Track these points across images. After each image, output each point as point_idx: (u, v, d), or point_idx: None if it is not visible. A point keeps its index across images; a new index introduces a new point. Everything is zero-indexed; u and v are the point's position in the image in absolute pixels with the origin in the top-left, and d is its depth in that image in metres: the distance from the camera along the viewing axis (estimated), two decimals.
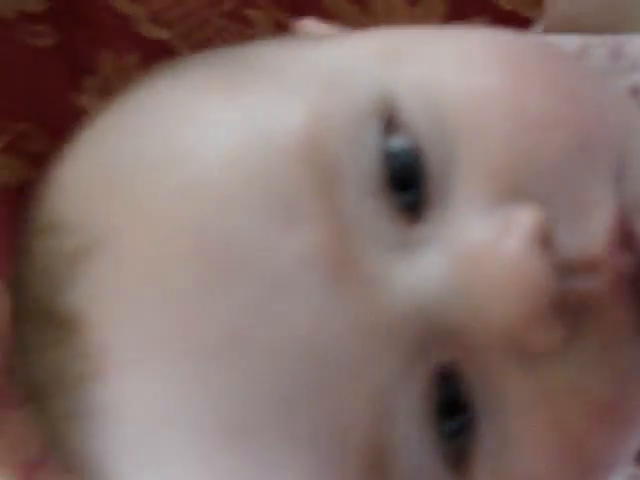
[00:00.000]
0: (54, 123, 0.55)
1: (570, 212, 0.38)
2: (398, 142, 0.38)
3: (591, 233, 0.37)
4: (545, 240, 0.36)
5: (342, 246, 0.37)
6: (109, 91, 0.53)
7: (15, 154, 0.54)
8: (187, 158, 0.38)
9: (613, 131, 0.39)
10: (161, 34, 0.56)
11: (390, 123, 0.38)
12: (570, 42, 0.48)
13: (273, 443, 0.37)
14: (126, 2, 0.55)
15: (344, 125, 0.38)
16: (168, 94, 0.41)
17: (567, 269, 0.37)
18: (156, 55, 0.54)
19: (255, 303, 0.36)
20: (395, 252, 0.37)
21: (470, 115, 0.38)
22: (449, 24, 0.56)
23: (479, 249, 0.36)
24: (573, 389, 0.38)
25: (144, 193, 0.38)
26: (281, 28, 0.56)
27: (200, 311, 0.36)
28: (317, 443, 0.37)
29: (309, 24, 0.47)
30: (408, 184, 0.38)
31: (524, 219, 0.36)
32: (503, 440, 0.38)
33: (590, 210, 0.38)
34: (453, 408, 0.38)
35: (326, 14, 0.56)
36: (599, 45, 0.48)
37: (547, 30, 0.51)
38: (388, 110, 0.38)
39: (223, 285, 0.36)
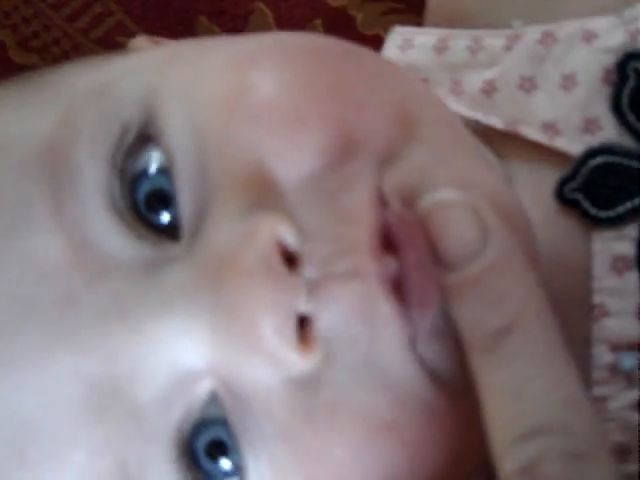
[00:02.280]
0: None
1: (324, 217, 0.35)
2: (148, 158, 0.37)
3: (352, 236, 0.35)
4: (283, 252, 0.34)
5: (77, 260, 0.35)
6: None
7: None
8: None
9: (385, 124, 0.37)
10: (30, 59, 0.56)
11: (144, 133, 0.37)
12: (431, 35, 0.48)
13: None
14: None
15: (88, 137, 0.37)
16: None
17: (325, 279, 0.34)
18: None
19: None
20: (146, 271, 0.36)
21: (221, 122, 0.36)
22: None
23: (217, 261, 0.34)
24: (343, 407, 0.35)
25: None
26: None
27: None
28: None
29: (139, 41, 0.47)
30: (164, 202, 0.37)
31: (260, 230, 0.34)
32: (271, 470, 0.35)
33: (347, 210, 0.35)
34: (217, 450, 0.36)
35: None
36: (460, 37, 0.46)
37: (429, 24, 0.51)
38: (145, 120, 0.37)
39: None
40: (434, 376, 0.35)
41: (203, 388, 0.36)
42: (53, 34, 0.56)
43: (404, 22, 0.54)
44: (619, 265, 0.41)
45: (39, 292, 0.35)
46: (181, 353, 0.35)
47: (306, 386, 0.35)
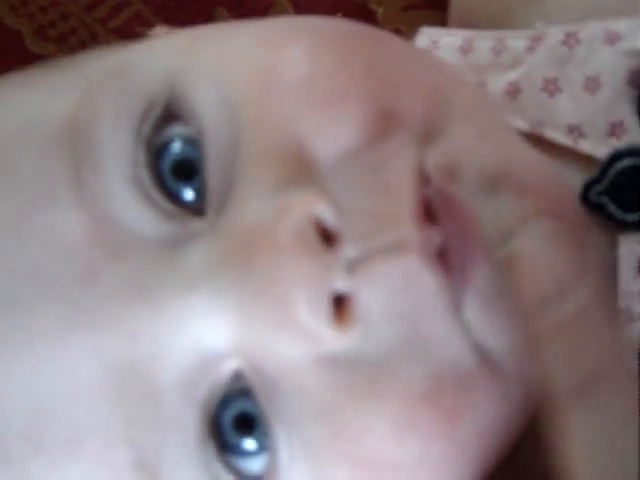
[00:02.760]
0: None
1: (366, 184, 0.34)
2: (176, 132, 0.36)
3: (393, 208, 0.34)
4: (319, 223, 0.33)
5: (97, 236, 0.35)
6: None
7: None
8: None
9: (421, 102, 0.36)
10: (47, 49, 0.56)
11: (170, 111, 0.36)
12: (457, 36, 0.47)
13: None
14: (12, 16, 0.55)
15: (111, 112, 0.36)
16: None
17: (366, 256, 0.33)
18: None
19: None
20: (169, 248, 0.35)
21: (256, 97, 0.35)
22: None
23: (249, 234, 0.33)
24: (383, 380, 0.34)
25: None
26: None
27: None
28: None
29: (159, 30, 0.46)
30: (188, 176, 0.36)
31: (296, 205, 0.33)
32: (304, 448, 0.35)
33: (388, 186, 0.35)
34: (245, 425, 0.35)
35: None
36: (484, 38, 0.46)
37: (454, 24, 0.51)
38: (171, 98, 0.36)
39: None
40: (479, 347, 0.34)
41: (227, 369, 0.35)
42: (70, 23, 0.56)
43: (424, 17, 0.54)
44: None
45: (58, 269, 0.35)
46: (204, 334, 0.34)
47: (343, 363, 0.34)
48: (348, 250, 0.33)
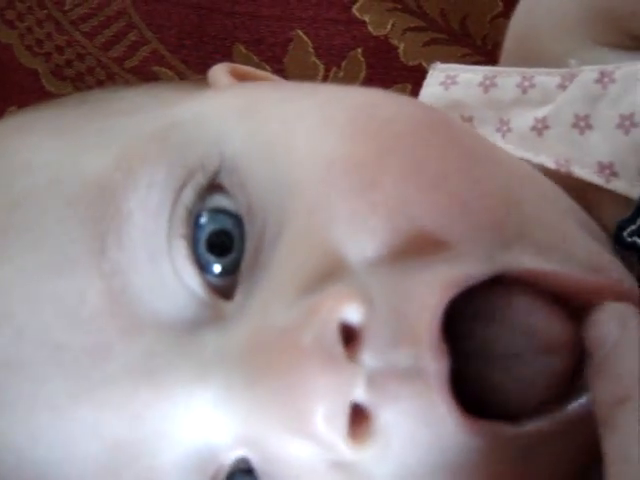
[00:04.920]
0: None
1: (393, 300, 0.33)
2: (219, 203, 0.35)
3: (413, 329, 0.32)
4: (345, 327, 0.32)
5: (117, 313, 0.34)
6: None
7: None
8: None
9: (486, 208, 0.35)
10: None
11: (214, 182, 0.35)
12: (477, 72, 0.46)
13: None
14: (28, 55, 0.55)
15: (146, 181, 0.35)
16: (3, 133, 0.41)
17: (384, 367, 0.32)
18: None
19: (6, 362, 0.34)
20: (185, 331, 0.34)
21: (317, 186, 0.34)
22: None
23: (272, 333, 0.32)
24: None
25: None
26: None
27: None
28: None
29: (218, 70, 0.44)
30: (225, 248, 0.35)
31: (325, 309, 0.32)
32: None
33: (415, 298, 0.33)
34: None
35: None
36: (510, 74, 0.45)
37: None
38: (216, 169, 0.35)
39: None
40: None
41: (232, 457, 0.34)
42: (87, 63, 0.55)
43: (446, 53, 0.53)
44: None
45: (70, 338, 0.34)
46: (210, 427, 0.33)
47: (356, 472, 0.33)
48: (369, 360, 0.32)
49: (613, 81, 0.41)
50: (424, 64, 0.53)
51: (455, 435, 0.32)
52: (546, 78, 0.44)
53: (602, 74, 0.42)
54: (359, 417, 0.32)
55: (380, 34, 0.54)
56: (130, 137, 0.37)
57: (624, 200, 0.41)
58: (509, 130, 0.44)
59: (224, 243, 0.35)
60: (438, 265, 0.33)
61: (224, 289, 0.34)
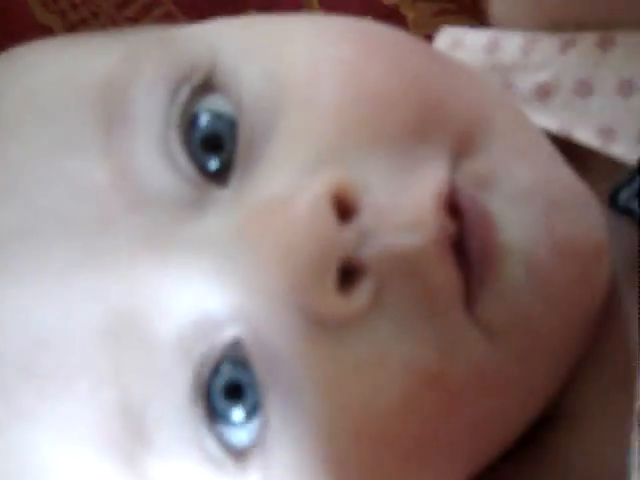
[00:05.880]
0: None
1: (394, 179, 0.36)
2: (212, 103, 0.37)
3: (416, 196, 0.35)
4: (340, 202, 0.34)
5: (118, 187, 0.36)
6: None
7: None
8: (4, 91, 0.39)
9: (462, 116, 0.38)
10: None
11: (209, 81, 0.38)
12: (482, 34, 0.47)
13: None
14: (44, 12, 0.55)
15: (150, 73, 0.37)
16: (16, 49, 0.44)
17: (383, 229, 0.34)
18: None
19: (15, 232, 0.36)
20: (186, 210, 0.36)
21: (303, 85, 0.37)
22: None
23: (267, 206, 0.35)
24: (391, 357, 0.35)
25: None
26: None
27: None
28: None
29: None
30: (218, 147, 0.37)
31: (319, 180, 0.34)
32: (299, 421, 0.35)
33: (418, 179, 0.36)
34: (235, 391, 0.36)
35: None
36: (514, 36, 0.46)
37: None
38: (213, 67, 0.38)
39: None
40: (489, 334, 0.35)
41: (227, 335, 0.35)
42: (101, 21, 0.56)
43: (456, 23, 0.53)
44: None
45: (76, 210, 0.36)
46: (209, 296, 0.35)
47: (350, 336, 0.34)
48: (365, 218, 0.34)
49: (614, 44, 0.42)
50: (434, 34, 0.54)
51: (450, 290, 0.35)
52: (547, 41, 0.44)
53: (603, 38, 0.42)
54: (351, 276, 0.34)
55: (390, 3, 0.54)
56: (137, 40, 0.40)
57: (621, 168, 0.42)
58: (513, 93, 0.44)
59: (217, 142, 0.37)
60: (430, 162, 0.36)
61: (222, 180, 0.37)
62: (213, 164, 0.37)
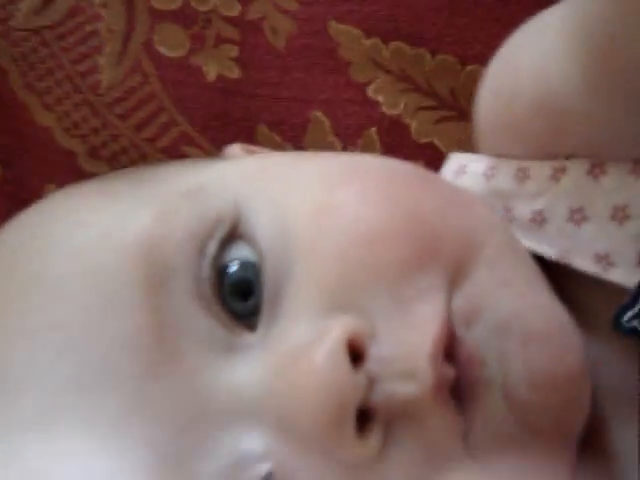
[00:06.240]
0: None
1: (397, 314, 0.39)
2: (238, 253, 0.41)
3: (417, 341, 0.38)
4: (353, 350, 0.38)
5: (160, 339, 0.39)
6: None
7: None
8: (44, 260, 0.43)
9: (454, 246, 0.41)
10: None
11: (234, 234, 0.42)
12: (482, 162, 0.49)
13: None
14: (66, 137, 0.58)
15: (182, 233, 0.41)
16: (55, 200, 0.49)
17: (387, 377, 0.38)
18: None
19: (69, 385, 0.39)
20: (220, 355, 0.40)
21: (307, 233, 0.41)
22: None
23: (291, 356, 0.38)
24: None
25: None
26: None
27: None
28: None
29: (234, 148, 0.52)
30: (247, 294, 0.41)
31: (334, 330, 0.38)
32: None
33: (419, 315, 0.39)
34: None
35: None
36: (508, 165, 0.47)
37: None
38: (235, 221, 0.42)
39: (48, 361, 0.40)
40: (476, 459, 0.39)
41: (261, 469, 0.38)
42: (121, 143, 0.58)
43: (457, 130, 0.56)
44: None
45: (122, 363, 0.39)
46: (244, 438, 0.38)
47: (365, 471, 0.38)
48: (371, 364, 0.38)
49: (605, 173, 0.43)
50: (435, 142, 0.56)
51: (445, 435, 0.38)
52: (539, 170, 0.45)
53: (593, 166, 0.43)
54: (363, 418, 0.37)
55: (393, 113, 0.57)
56: (165, 196, 0.44)
57: (619, 291, 0.42)
58: (513, 219, 0.46)
59: (246, 288, 0.41)
60: (431, 297, 0.39)
61: (251, 324, 0.41)
62: (244, 309, 0.41)
